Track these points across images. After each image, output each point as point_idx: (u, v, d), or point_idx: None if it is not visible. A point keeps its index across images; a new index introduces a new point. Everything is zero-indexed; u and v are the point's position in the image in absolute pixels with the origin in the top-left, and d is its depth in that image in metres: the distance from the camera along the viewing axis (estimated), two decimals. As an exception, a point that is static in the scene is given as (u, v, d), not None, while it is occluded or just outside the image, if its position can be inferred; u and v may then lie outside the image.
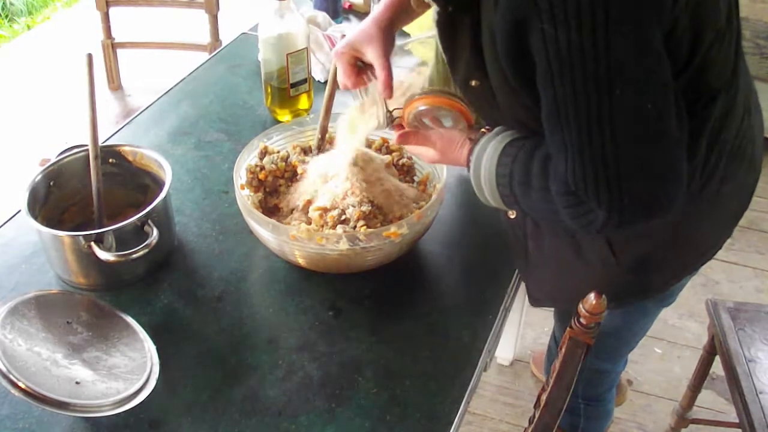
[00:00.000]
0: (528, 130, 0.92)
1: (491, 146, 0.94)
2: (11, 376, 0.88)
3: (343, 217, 1.11)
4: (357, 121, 1.09)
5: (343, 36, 1.28)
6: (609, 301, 1.15)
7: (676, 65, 0.82)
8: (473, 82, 0.93)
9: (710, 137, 0.93)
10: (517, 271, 1.21)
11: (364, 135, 1.13)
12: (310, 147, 1.28)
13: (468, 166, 0.97)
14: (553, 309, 1.48)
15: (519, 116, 0.92)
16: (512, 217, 1.11)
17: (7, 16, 4.22)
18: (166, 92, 1.65)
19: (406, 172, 1.27)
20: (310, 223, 1.13)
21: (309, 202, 1.16)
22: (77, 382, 0.94)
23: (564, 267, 1.10)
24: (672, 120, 0.80)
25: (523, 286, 1.76)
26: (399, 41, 1.11)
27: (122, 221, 1.09)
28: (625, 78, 0.75)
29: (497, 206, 0.98)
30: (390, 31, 1.06)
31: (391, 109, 1.04)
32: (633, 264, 1.05)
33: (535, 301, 1.24)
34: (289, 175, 1.23)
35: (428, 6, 0.93)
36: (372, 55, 1.03)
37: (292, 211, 1.19)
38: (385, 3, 1.07)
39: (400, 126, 1.05)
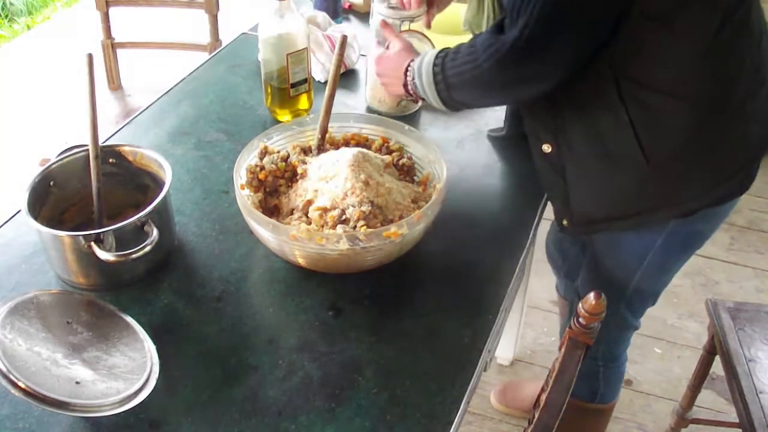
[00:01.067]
0: None
1: (432, 51, 1.22)
2: (11, 376, 0.88)
3: (343, 217, 1.11)
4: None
5: (344, 36, 1.28)
6: (643, 213, 1.22)
7: None
8: None
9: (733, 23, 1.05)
10: (517, 271, 1.22)
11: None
12: (310, 147, 1.28)
13: (410, 63, 1.24)
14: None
15: None
16: (548, 151, 1.23)
17: (7, 16, 4.22)
18: (166, 92, 1.65)
19: (406, 172, 1.27)
20: (310, 223, 1.13)
21: (309, 202, 1.16)
22: (77, 382, 0.94)
23: (600, 174, 1.19)
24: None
25: (523, 286, 1.77)
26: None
27: (122, 221, 1.09)
28: None
29: (429, 94, 1.20)
30: None
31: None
32: (663, 164, 1.13)
33: (578, 215, 1.28)
34: (289, 175, 1.23)
35: None
36: None
37: (292, 211, 1.19)
38: None
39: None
